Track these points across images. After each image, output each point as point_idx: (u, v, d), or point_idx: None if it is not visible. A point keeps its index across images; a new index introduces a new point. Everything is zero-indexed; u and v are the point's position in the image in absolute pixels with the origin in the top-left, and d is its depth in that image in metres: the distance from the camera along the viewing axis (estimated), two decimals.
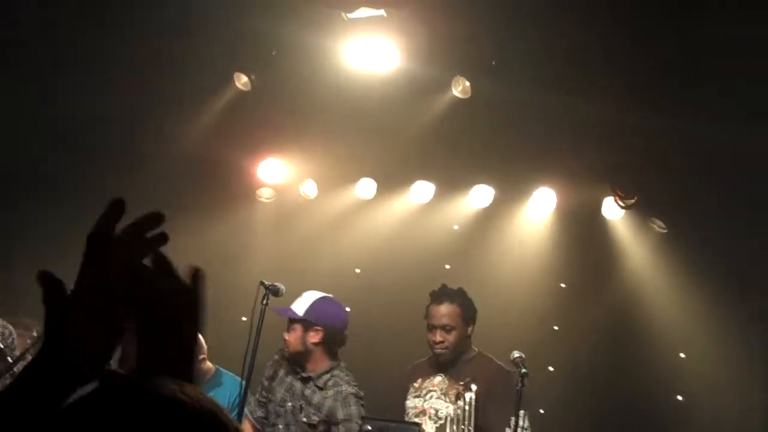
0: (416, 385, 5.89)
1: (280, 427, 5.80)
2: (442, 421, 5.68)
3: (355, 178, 9.12)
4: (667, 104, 7.03)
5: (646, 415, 8.03)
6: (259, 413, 5.97)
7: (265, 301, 5.66)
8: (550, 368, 8.41)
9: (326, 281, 8.89)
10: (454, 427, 5.58)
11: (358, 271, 9.33)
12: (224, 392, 6.01)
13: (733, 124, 6.92)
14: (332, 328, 5.78)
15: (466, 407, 5.56)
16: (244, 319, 6.01)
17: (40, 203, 8.35)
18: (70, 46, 7.41)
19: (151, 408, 1.15)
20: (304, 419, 5.66)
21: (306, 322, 5.74)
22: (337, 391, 5.65)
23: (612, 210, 8.53)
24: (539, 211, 8.76)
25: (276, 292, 5.71)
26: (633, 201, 8.34)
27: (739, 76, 6.63)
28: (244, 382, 5.55)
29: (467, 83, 7.59)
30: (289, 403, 5.79)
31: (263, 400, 5.95)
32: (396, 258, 8.97)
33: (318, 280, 8.82)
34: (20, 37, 7.25)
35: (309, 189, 9.23)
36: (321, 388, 5.70)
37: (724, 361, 7.87)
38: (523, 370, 5.47)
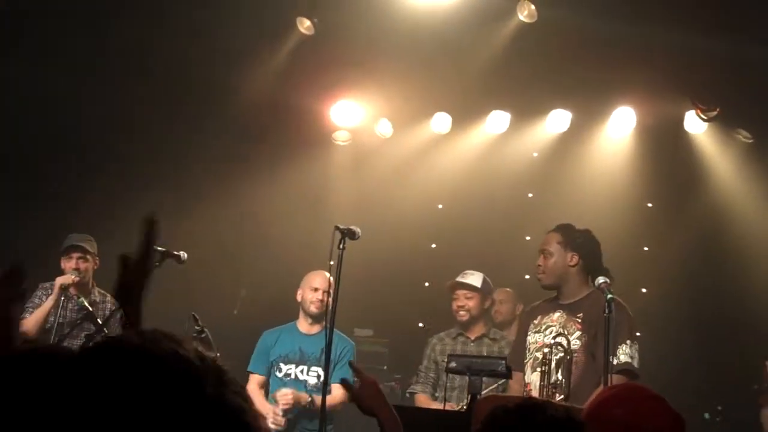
0: (536, 321, 5.97)
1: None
2: (561, 354, 5.77)
3: (429, 114, 9.01)
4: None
5: (744, 329, 7.89)
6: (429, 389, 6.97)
7: (341, 245, 5.67)
8: (644, 290, 8.31)
9: (409, 219, 8.92)
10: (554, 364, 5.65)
11: (440, 206, 9.30)
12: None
13: None
14: (492, 298, 7.20)
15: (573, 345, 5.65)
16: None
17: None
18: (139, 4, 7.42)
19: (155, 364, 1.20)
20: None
21: (482, 293, 6.95)
22: (507, 341, 6.82)
23: (694, 124, 8.30)
24: (619, 130, 8.56)
25: (352, 235, 5.72)
26: (715, 113, 8.11)
27: None
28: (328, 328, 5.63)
29: (532, 6, 7.39)
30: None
31: (433, 377, 6.98)
32: (477, 190, 8.90)
33: (401, 219, 8.85)
34: None
35: (384, 128, 9.17)
36: (494, 340, 6.92)
37: None
38: (609, 296, 5.45)
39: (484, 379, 5.19)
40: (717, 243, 8.29)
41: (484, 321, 7.00)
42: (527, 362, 5.83)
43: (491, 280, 7.17)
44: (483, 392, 5.73)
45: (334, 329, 6.64)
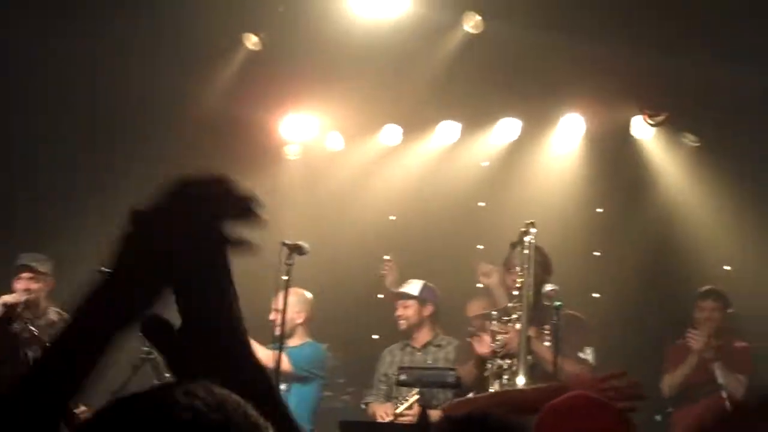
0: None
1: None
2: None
3: (379, 126, 9.01)
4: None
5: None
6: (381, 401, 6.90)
7: (290, 261, 5.67)
8: (595, 295, 8.35)
9: (362, 231, 8.89)
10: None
11: (392, 218, 9.28)
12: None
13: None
14: (437, 305, 7.10)
15: None
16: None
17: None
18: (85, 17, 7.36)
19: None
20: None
21: (419, 300, 6.99)
22: (454, 346, 6.83)
23: (642, 129, 8.40)
24: (569, 137, 8.63)
25: (300, 250, 5.72)
26: (663, 118, 8.22)
27: None
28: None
29: (478, 17, 7.43)
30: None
31: (384, 389, 6.93)
32: (429, 201, 8.91)
33: (354, 231, 8.81)
34: None
35: (334, 141, 9.15)
36: (440, 346, 6.94)
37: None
38: (557, 303, 5.47)
39: None
40: (667, 246, 8.37)
41: (429, 328, 7.03)
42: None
43: (445, 289, 7.19)
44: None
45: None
